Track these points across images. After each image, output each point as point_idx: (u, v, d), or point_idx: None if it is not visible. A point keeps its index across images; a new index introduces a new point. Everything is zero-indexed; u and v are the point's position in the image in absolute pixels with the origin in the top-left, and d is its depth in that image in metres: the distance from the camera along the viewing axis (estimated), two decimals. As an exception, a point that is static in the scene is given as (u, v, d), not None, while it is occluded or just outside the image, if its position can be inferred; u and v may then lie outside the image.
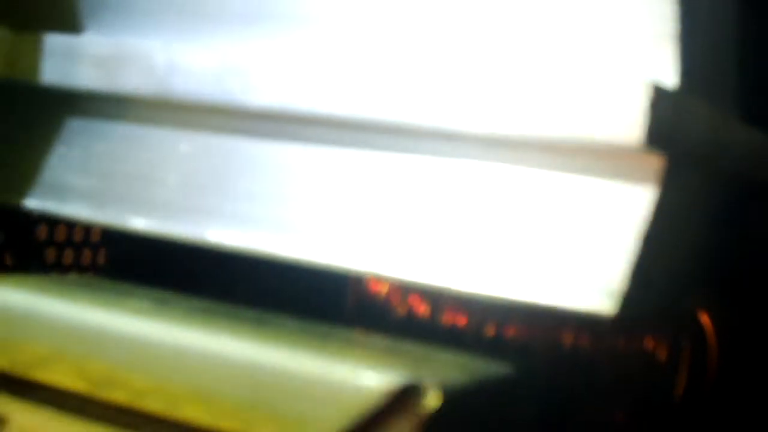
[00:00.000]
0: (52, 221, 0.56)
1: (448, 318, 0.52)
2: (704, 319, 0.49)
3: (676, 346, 0.48)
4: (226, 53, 0.47)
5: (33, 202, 0.53)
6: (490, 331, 0.50)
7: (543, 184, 0.40)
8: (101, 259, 0.61)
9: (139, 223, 0.49)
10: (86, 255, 0.61)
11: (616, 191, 0.38)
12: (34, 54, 0.53)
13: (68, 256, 0.61)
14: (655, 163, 0.38)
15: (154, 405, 0.41)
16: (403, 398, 0.37)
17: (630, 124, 0.37)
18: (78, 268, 0.60)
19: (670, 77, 0.38)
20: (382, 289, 0.54)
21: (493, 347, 0.50)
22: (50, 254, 0.60)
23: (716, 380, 0.48)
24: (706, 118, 0.39)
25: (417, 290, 0.52)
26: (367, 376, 0.37)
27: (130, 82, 0.50)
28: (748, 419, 0.48)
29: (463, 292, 0.40)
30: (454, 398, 0.37)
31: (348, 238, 0.44)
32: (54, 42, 0.52)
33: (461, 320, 0.51)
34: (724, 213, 0.44)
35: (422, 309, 0.53)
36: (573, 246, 0.38)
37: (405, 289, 0.53)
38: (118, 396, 0.42)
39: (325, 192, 0.45)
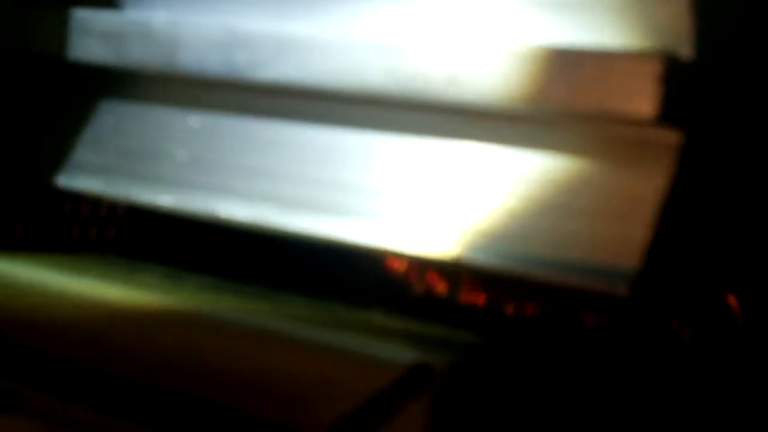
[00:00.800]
0: (77, 198, 0.56)
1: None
2: (731, 300, 0.47)
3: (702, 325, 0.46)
4: (232, 27, 0.46)
5: (49, 177, 0.52)
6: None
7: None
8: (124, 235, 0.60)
9: (148, 197, 0.48)
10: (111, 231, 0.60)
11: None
12: (51, 28, 0.53)
13: (92, 231, 0.60)
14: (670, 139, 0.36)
15: (163, 380, 0.41)
16: (414, 376, 0.36)
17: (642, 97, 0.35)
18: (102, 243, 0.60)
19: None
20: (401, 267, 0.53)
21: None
22: (75, 231, 0.59)
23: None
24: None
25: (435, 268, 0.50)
26: (383, 352, 0.37)
27: (137, 56, 0.49)
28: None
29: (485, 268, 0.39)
30: (457, 375, 0.36)
31: (356, 213, 0.43)
32: (70, 17, 0.51)
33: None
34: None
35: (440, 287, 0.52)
36: (589, 227, 0.37)
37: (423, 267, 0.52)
38: (128, 371, 0.42)
39: (330, 169, 0.44)
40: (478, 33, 0.40)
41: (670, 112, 0.35)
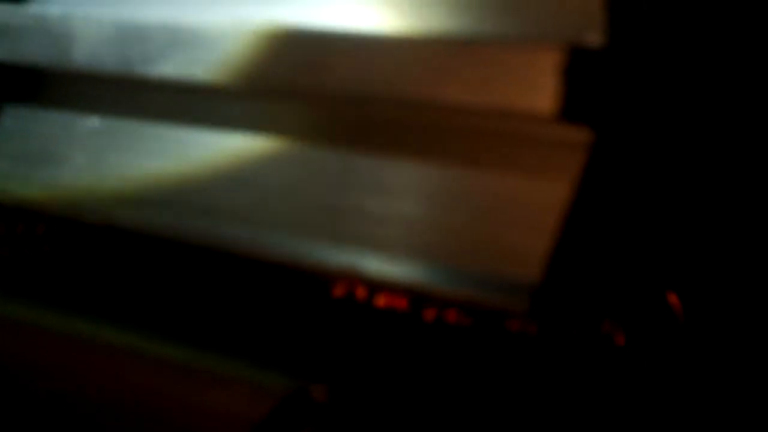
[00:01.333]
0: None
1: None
2: (672, 299, 0.44)
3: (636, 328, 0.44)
4: (126, 22, 0.43)
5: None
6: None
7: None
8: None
9: (39, 202, 0.46)
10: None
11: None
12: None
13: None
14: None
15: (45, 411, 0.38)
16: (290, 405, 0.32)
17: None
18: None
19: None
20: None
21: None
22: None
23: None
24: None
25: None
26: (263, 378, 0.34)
27: (31, 52, 0.46)
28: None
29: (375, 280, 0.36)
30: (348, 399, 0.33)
31: (263, 223, 0.40)
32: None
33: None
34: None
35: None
36: (486, 236, 0.34)
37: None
38: None
39: (232, 174, 0.41)
40: (379, 24, 0.37)
41: (574, 108, 0.32)
